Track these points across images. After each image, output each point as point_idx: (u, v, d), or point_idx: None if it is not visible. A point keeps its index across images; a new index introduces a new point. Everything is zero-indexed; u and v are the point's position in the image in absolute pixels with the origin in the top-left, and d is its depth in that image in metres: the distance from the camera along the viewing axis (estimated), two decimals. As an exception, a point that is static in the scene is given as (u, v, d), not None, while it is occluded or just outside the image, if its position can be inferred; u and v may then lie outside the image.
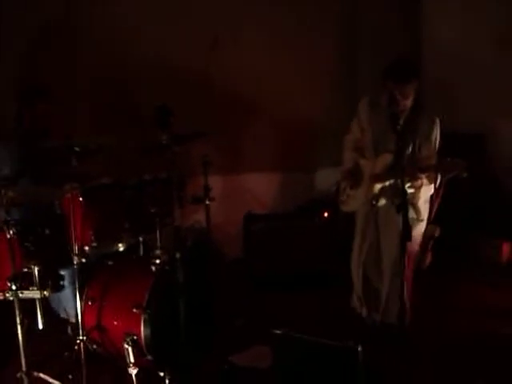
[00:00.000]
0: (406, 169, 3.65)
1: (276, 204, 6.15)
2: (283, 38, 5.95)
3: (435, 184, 3.87)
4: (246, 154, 6.07)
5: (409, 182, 3.75)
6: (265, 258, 5.33)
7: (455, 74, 5.87)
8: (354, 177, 4.12)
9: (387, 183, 3.88)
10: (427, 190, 3.93)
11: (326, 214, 5.46)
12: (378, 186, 3.94)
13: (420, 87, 3.97)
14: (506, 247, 5.53)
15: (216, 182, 4.54)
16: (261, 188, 6.13)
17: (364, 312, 4.35)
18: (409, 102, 3.89)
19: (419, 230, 4.01)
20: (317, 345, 3.22)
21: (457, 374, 3.65)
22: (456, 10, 6.06)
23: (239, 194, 5.97)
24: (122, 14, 5.27)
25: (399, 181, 3.32)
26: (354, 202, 4.16)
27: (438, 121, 3.97)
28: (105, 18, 5.22)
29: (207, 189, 4.36)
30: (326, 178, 6.32)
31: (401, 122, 3.70)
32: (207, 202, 4.38)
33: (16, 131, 4.16)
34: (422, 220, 4.02)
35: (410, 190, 3.84)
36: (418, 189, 3.90)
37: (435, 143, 3.97)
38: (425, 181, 3.83)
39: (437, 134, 3.97)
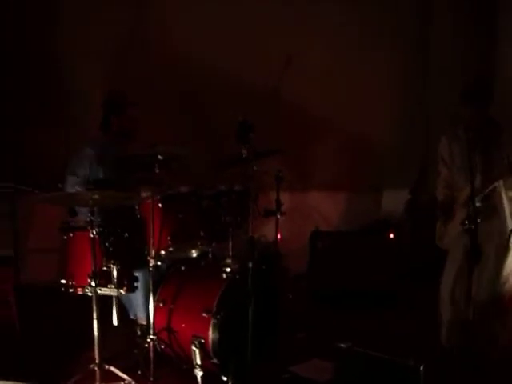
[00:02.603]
0: (500, 174, 3.74)
1: (341, 222, 6.22)
2: (352, 58, 6.04)
3: None
4: (313, 171, 6.18)
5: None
6: (329, 274, 5.43)
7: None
8: (446, 212, 4.10)
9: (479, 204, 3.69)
10: None
11: (391, 235, 5.51)
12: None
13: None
14: None
15: (283, 198, 4.61)
16: (327, 206, 6.21)
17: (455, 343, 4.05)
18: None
19: None
20: (379, 361, 3.26)
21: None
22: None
23: (305, 211, 6.06)
24: (199, 31, 5.54)
25: (469, 198, 3.32)
26: (448, 237, 4.10)
27: None
28: (185, 35, 5.49)
29: (279, 203, 4.49)
30: (392, 199, 6.40)
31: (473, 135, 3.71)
32: (278, 216, 4.50)
33: (104, 135, 4.37)
34: None
35: None
36: None
37: None
38: None
39: None
